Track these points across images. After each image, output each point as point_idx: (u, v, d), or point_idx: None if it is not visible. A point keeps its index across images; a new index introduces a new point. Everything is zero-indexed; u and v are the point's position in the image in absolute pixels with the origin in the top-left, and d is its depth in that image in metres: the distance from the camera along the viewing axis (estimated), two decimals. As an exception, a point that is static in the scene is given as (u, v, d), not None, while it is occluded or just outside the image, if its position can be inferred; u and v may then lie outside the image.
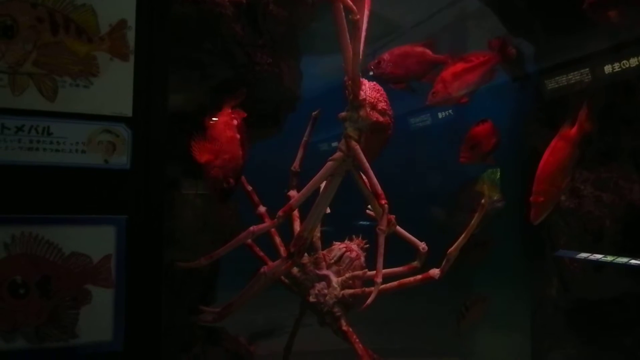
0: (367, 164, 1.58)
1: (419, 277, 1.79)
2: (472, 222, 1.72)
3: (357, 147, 1.60)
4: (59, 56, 1.08)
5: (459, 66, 2.39)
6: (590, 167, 2.30)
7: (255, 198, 1.92)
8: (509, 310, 2.94)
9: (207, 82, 1.71)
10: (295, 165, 2.03)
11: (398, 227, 1.72)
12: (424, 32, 3.09)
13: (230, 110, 1.67)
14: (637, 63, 2.16)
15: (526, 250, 2.83)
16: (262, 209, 1.91)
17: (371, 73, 2.41)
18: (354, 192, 1.80)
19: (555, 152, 2.03)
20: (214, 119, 1.64)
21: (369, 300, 1.59)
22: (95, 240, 1.09)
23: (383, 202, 1.55)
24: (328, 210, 1.82)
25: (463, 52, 2.50)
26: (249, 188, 1.91)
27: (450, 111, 3.03)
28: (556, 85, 2.32)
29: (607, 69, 2.21)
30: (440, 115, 2.94)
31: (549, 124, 2.45)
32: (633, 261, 2.08)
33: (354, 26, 1.51)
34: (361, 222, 2.15)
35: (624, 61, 2.18)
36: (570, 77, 2.29)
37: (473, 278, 3.30)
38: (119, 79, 1.12)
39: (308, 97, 2.30)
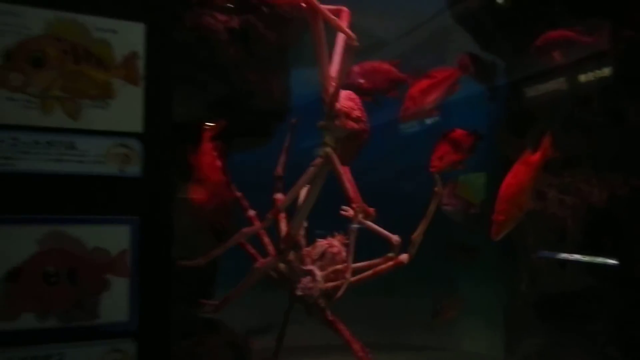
0: (340, 171, 1.75)
1: (390, 263, 1.98)
2: (430, 207, 1.91)
3: (333, 154, 1.76)
4: (81, 82, 1.27)
5: (424, 83, 2.59)
6: (555, 172, 2.52)
7: (245, 203, 2.09)
8: (485, 304, 3.15)
9: (204, 98, 1.91)
10: (278, 170, 2.18)
11: (372, 224, 1.90)
12: (405, 45, 3.29)
13: (211, 147, 1.79)
14: (593, 77, 2.40)
15: (500, 249, 3.04)
16: (251, 212, 2.08)
17: None
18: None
19: (517, 174, 2.13)
20: (198, 156, 1.75)
21: (339, 293, 1.77)
22: (113, 237, 1.28)
23: (354, 205, 1.74)
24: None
25: (433, 67, 2.71)
26: (239, 194, 2.09)
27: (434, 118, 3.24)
28: (522, 97, 2.55)
29: (568, 82, 2.44)
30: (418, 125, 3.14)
31: (518, 133, 2.67)
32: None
33: (349, 50, 1.67)
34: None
35: (583, 74, 2.42)
36: (534, 89, 2.52)
37: (456, 275, 3.51)
38: (131, 101, 1.31)
39: (298, 105, 2.48)
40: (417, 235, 1.98)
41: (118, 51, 1.30)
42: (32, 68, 1.22)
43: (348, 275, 1.76)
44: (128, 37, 1.30)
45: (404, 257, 2.00)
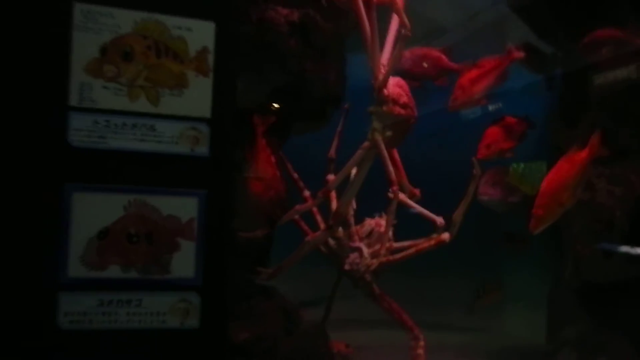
0: (385, 155, 1.87)
1: (432, 241, 2.10)
2: (468, 189, 2.01)
3: (379, 139, 1.89)
4: (161, 74, 1.48)
5: (474, 72, 2.64)
6: (605, 163, 2.53)
7: (301, 184, 2.27)
8: (530, 290, 3.20)
9: (266, 85, 2.10)
10: (332, 152, 2.33)
11: (419, 207, 2.03)
12: (463, 33, 3.33)
13: (265, 143, 1.94)
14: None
15: (547, 237, 3.06)
16: (306, 192, 2.26)
17: None
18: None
19: (560, 170, 2.14)
20: (254, 152, 1.90)
21: (373, 264, 1.89)
22: (184, 207, 1.49)
23: (394, 188, 1.86)
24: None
25: (490, 55, 2.75)
26: (295, 175, 2.27)
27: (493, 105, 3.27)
28: (576, 88, 2.56)
29: (622, 73, 2.43)
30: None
31: (570, 124, 2.68)
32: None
33: (402, 38, 1.78)
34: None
35: (636, 67, 2.39)
36: (589, 80, 2.52)
37: (504, 261, 3.56)
38: (201, 90, 1.50)
39: (355, 89, 2.59)
40: (457, 215, 2.09)
41: (192, 47, 1.50)
42: (122, 61, 1.45)
43: (382, 250, 1.90)
44: (201, 34, 1.50)
45: (445, 235, 2.11)
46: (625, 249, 2.41)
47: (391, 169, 1.87)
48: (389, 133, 1.93)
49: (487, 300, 3.09)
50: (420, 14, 1.99)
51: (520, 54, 2.64)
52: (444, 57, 2.74)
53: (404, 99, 1.96)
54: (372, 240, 2.29)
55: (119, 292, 1.45)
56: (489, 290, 3.10)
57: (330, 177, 2.27)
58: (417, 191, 2.05)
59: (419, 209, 2.17)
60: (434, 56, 2.77)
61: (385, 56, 1.93)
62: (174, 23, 1.47)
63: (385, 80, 1.89)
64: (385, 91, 1.91)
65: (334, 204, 2.20)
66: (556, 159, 2.33)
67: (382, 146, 1.88)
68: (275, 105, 2.15)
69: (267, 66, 2.03)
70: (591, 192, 2.52)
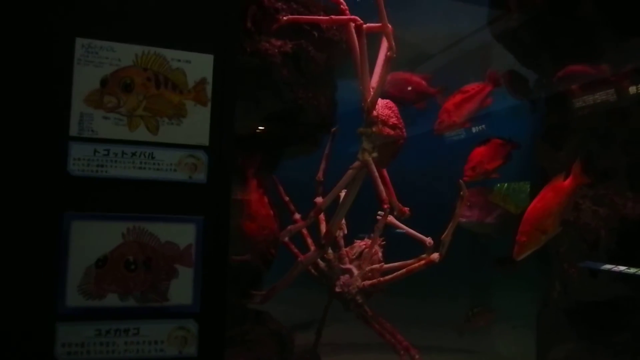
0: (376, 174, 1.92)
1: (422, 262, 2.13)
2: (457, 209, 2.06)
3: (369, 159, 1.94)
4: (160, 104, 1.51)
5: (458, 97, 2.74)
6: (589, 184, 2.60)
7: (292, 207, 2.31)
8: (519, 310, 3.24)
9: (261, 112, 2.15)
10: (319, 175, 2.38)
11: (407, 228, 2.08)
12: (445, 60, 3.43)
13: (256, 183, 1.96)
14: (631, 92, 2.47)
15: (535, 257, 3.12)
16: (297, 215, 2.29)
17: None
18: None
19: (543, 198, 2.19)
20: (246, 193, 1.93)
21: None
22: (181, 233, 1.51)
23: (385, 206, 1.90)
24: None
25: (474, 80, 2.85)
26: (287, 198, 2.30)
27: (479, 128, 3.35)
28: (561, 111, 2.65)
29: (604, 96, 2.53)
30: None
31: (555, 145, 2.77)
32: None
33: (387, 60, 1.84)
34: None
35: (621, 90, 2.49)
36: (572, 103, 2.61)
37: (493, 281, 3.61)
38: (200, 119, 1.54)
39: (344, 113, 2.65)
40: (446, 235, 2.13)
41: (191, 78, 1.54)
42: (122, 92, 1.48)
43: (366, 265, 1.92)
44: (199, 66, 1.54)
45: (435, 256, 2.14)
46: (610, 267, 2.47)
47: (381, 188, 1.92)
48: (375, 154, 1.98)
49: (476, 323, 3.13)
50: (405, 41, 2.07)
51: (500, 82, 2.74)
52: (423, 82, 2.84)
53: (393, 120, 2.02)
54: (362, 261, 2.32)
55: (117, 321, 1.46)
56: (478, 313, 3.13)
57: (319, 199, 2.30)
58: (406, 210, 2.09)
59: (408, 230, 2.21)
60: (414, 81, 2.87)
61: (374, 79, 1.99)
62: (173, 56, 1.52)
63: (374, 102, 1.95)
64: (375, 112, 1.96)
65: (323, 227, 2.24)
66: (541, 180, 2.40)
67: (372, 166, 1.93)
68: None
69: (262, 94, 2.08)
70: (576, 212, 2.59)
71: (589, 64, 2.43)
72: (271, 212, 1.97)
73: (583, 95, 2.56)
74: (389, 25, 1.89)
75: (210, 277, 1.54)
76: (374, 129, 1.96)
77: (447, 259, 2.17)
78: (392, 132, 2.01)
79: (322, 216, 2.28)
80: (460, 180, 2.22)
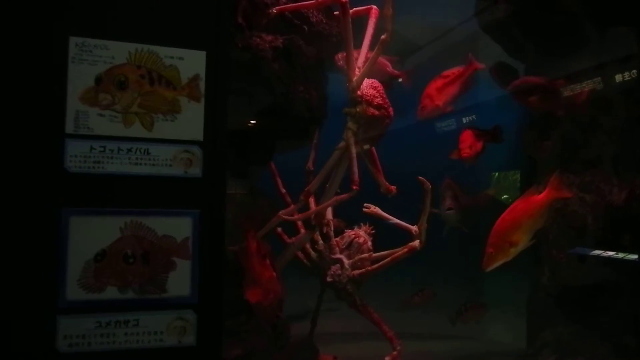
0: (353, 154, 1.93)
1: (405, 250, 2.16)
2: (425, 201, 2.08)
3: (350, 139, 1.95)
4: (155, 101, 1.54)
5: (439, 82, 2.76)
6: (576, 172, 2.66)
7: (288, 199, 2.33)
8: (510, 296, 3.30)
9: (254, 107, 2.18)
10: (309, 165, 2.39)
11: (394, 218, 2.11)
12: (433, 51, 3.46)
13: (256, 247, 1.94)
14: (616, 81, 2.52)
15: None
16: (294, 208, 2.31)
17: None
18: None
19: (514, 211, 2.15)
20: (247, 258, 1.90)
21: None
22: (178, 227, 1.54)
23: (354, 187, 1.91)
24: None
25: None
26: (283, 191, 2.33)
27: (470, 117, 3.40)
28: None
29: (590, 85, 2.58)
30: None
31: (542, 135, 2.82)
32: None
33: (382, 43, 1.85)
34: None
35: (605, 78, 2.54)
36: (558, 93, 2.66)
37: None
38: (194, 115, 1.57)
39: (333, 104, 2.67)
40: (420, 225, 2.15)
41: (184, 74, 1.56)
42: (117, 90, 1.51)
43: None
44: (192, 62, 1.57)
45: (415, 243, 2.17)
46: (598, 252, 2.52)
47: (356, 169, 1.93)
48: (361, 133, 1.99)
49: (468, 317, 3.17)
50: (395, 32, 2.09)
51: (480, 65, 2.76)
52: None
53: (378, 100, 2.04)
54: (352, 251, 2.35)
55: (117, 313, 1.49)
56: (471, 308, 3.18)
57: (310, 188, 2.31)
58: (393, 188, 2.12)
59: (395, 220, 2.25)
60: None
61: (361, 59, 2.01)
62: (166, 53, 1.54)
63: (360, 82, 1.96)
64: (359, 92, 1.98)
65: (313, 206, 2.25)
66: (529, 168, 2.44)
67: (352, 146, 1.95)
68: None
69: (254, 89, 2.11)
70: (563, 200, 2.64)
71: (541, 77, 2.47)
72: (274, 274, 1.96)
73: (570, 83, 2.61)
74: (391, 9, 1.91)
75: (208, 268, 1.57)
76: (358, 109, 1.98)
77: (440, 247, 2.22)
78: (376, 112, 2.02)
79: (312, 203, 2.30)
80: (419, 178, 2.20)
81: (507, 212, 2.17)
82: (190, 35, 1.56)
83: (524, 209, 2.14)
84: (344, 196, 1.97)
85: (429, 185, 2.20)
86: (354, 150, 1.96)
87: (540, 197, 2.16)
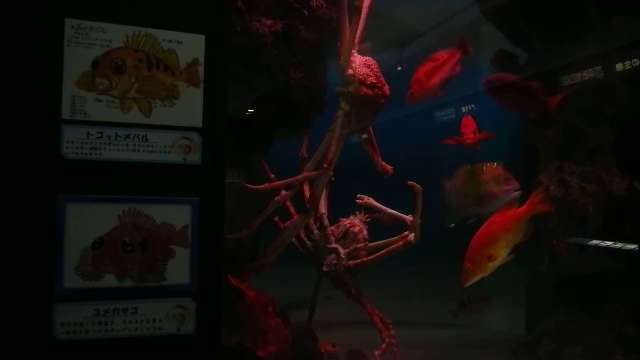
0: (337, 134, 1.89)
1: (400, 242, 2.14)
2: (416, 202, 2.06)
3: (340, 118, 1.90)
4: (153, 85, 1.51)
5: (429, 66, 2.70)
6: (578, 161, 2.65)
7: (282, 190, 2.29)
8: (509, 284, 3.30)
9: (253, 94, 2.14)
10: (303, 151, 2.36)
11: (389, 209, 2.08)
12: (434, 38, 3.43)
13: (255, 295, 1.91)
14: (618, 70, 2.49)
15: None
16: (284, 192, 2.27)
17: None
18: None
19: (491, 225, 2.11)
20: (250, 309, 1.87)
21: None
22: (177, 214, 1.52)
23: (325, 166, 1.87)
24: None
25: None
26: (272, 176, 2.28)
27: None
28: (549, 88, 2.67)
29: (593, 74, 2.54)
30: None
31: (544, 124, 2.80)
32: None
33: (355, 10, 1.80)
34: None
35: (608, 67, 2.51)
36: (561, 80, 2.63)
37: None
38: (193, 100, 1.54)
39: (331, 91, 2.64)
40: (415, 219, 2.13)
41: (182, 59, 1.53)
42: (114, 74, 1.48)
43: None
44: (191, 46, 1.53)
45: (410, 237, 2.14)
46: (598, 242, 2.52)
47: (333, 148, 1.90)
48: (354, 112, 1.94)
49: (472, 308, 3.16)
50: (395, 19, 2.06)
51: (469, 47, 2.70)
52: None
53: (372, 79, 1.98)
54: (347, 240, 2.33)
55: (115, 301, 1.48)
56: (475, 301, 3.16)
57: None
58: (389, 168, 2.09)
59: (390, 210, 2.23)
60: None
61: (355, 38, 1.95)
62: (164, 36, 1.51)
63: (347, 60, 1.91)
64: (351, 71, 1.93)
65: (307, 191, 2.23)
66: (531, 157, 2.42)
67: (340, 125, 1.91)
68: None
69: (253, 74, 2.07)
70: (565, 189, 2.63)
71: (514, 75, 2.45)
72: (279, 320, 1.94)
73: (572, 72, 2.58)
74: None
75: (207, 256, 1.56)
76: (350, 89, 1.94)
77: (442, 236, 2.21)
78: (370, 92, 1.97)
79: (306, 189, 2.28)
80: (408, 182, 2.17)
81: (485, 225, 2.14)
82: (188, 18, 1.53)
83: (502, 222, 2.10)
84: (313, 173, 1.94)
85: (419, 187, 2.18)
86: (339, 130, 1.91)
87: (520, 211, 2.12)
